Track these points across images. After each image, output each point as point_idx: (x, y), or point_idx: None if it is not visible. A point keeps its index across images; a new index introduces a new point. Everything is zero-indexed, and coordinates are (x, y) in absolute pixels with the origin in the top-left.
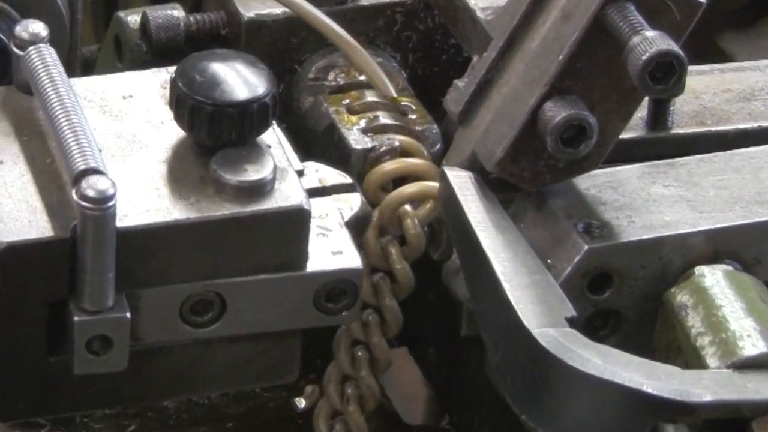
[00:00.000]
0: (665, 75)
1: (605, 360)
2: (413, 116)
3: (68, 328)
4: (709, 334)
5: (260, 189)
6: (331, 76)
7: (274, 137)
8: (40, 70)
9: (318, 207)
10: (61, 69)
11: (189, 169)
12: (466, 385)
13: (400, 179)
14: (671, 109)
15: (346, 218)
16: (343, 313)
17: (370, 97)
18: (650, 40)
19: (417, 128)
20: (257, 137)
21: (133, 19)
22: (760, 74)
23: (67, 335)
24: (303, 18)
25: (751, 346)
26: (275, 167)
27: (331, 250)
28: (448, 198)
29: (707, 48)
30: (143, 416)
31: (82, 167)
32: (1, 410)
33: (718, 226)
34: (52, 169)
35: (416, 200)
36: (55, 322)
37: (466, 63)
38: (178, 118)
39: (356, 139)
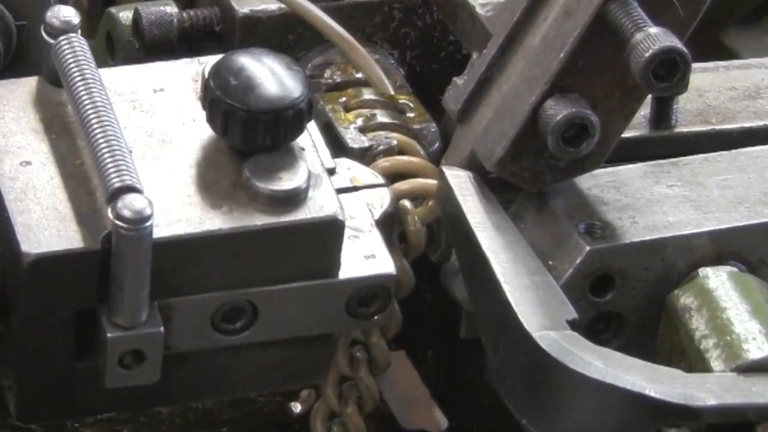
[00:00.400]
0: (669, 72)
1: (607, 363)
2: (411, 114)
3: (99, 340)
4: (714, 337)
5: (294, 198)
6: (327, 73)
7: (308, 139)
8: (71, 63)
9: (348, 205)
10: (92, 61)
11: (221, 174)
12: (465, 389)
13: (398, 178)
14: (675, 107)
15: (376, 216)
16: (376, 318)
17: (367, 95)
18: (653, 37)
19: (415, 127)
20: (291, 141)
21: (125, 15)
22: (765, 72)
23: (96, 343)
24: (299, 14)
25: (756, 349)
26: (309, 174)
27: (363, 253)
28: (446, 198)
29: (711, 45)
30: (135, 421)
31: (118, 185)
32: (27, 413)
33: (723, 226)
34: (82, 171)
35: (412, 197)
36: (82, 329)
37: (465, 60)
38: (211, 120)
39: (353, 137)
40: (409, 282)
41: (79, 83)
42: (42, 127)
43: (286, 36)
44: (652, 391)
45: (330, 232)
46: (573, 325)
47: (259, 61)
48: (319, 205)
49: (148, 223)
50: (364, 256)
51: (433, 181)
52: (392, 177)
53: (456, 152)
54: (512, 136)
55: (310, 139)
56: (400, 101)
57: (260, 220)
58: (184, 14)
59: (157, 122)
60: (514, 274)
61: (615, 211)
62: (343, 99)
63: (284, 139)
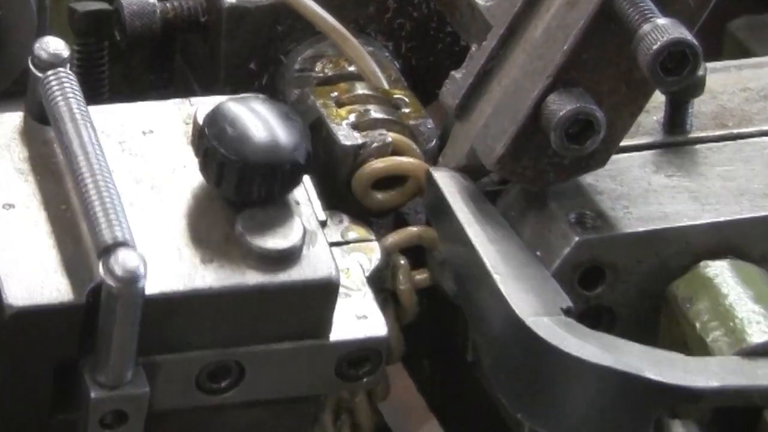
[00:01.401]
0: (678, 66)
1: (603, 346)
2: (407, 110)
3: (80, 397)
4: (716, 324)
5: (288, 257)
6: (318, 66)
7: (303, 193)
8: (59, 101)
9: (339, 260)
10: (81, 99)
11: (212, 226)
12: (462, 399)
13: (392, 179)
14: (690, 111)
15: (368, 272)
16: (365, 380)
17: (361, 89)
18: (662, 28)
19: (411, 123)
20: (287, 195)
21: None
22: None
23: (76, 398)
24: (289, 4)
25: (760, 333)
26: (304, 232)
27: (355, 313)
28: (434, 196)
29: (719, 37)
30: None
31: (110, 240)
32: None
33: (723, 219)
34: (68, 217)
35: (406, 248)
36: (62, 381)
37: (463, 53)
38: (205, 170)
39: (345, 134)
40: (399, 349)
41: (68, 123)
42: (27, 167)
43: (275, 27)
44: (651, 373)
45: (324, 293)
46: (567, 313)
47: (256, 109)
48: (313, 265)
49: (140, 283)
50: (356, 317)
51: (431, 233)
52: (386, 179)
53: (454, 150)
54: (513, 133)
55: (306, 192)
56: (395, 96)
57: (252, 278)
58: (168, 4)
59: (146, 167)
60: (505, 265)
61: (609, 201)
62: (335, 94)
63: (280, 192)
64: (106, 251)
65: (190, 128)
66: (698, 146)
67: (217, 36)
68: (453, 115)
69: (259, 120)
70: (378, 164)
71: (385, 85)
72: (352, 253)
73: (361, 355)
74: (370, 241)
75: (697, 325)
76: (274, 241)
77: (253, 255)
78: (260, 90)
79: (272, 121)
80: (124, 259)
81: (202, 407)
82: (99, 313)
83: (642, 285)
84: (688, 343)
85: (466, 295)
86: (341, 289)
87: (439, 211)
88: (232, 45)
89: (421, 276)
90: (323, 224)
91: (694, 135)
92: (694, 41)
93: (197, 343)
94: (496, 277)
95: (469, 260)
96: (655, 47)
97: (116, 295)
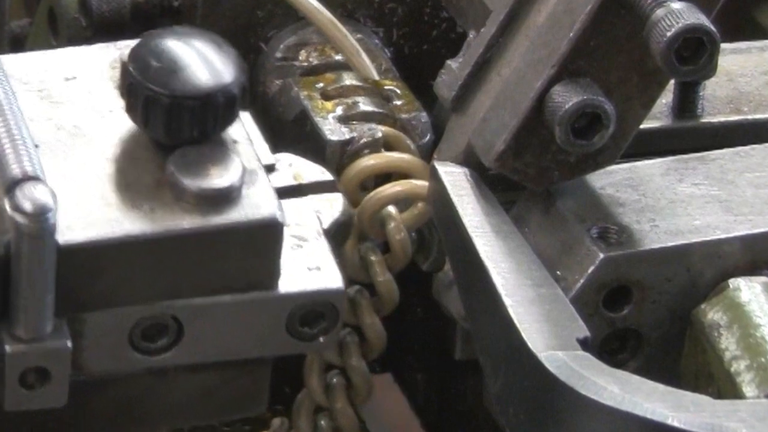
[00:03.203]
0: (694, 54)
1: (624, 388)
2: (398, 102)
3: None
4: (746, 358)
5: (226, 197)
6: (302, 55)
7: (241, 130)
8: None
9: (292, 210)
10: None
11: (142, 170)
12: (460, 417)
13: (383, 177)
14: (701, 94)
15: (326, 225)
16: (320, 339)
17: (349, 80)
18: (677, 14)
19: (403, 116)
20: (222, 132)
21: None
22: None
23: None
24: None
25: None
26: (243, 169)
27: (307, 265)
28: (439, 198)
29: (743, 22)
30: None
31: (17, 173)
32: None
33: (757, 231)
34: None
35: (401, 201)
36: None
37: (460, 40)
38: (131, 110)
39: (332, 129)
40: (392, 298)
41: None
42: None
43: (255, 12)
44: (676, 420)
45: (267, 235)
46: (584, 344)
47: (185, 41)
48: (254, 204)
49: (50, 216)
50: (308, 268)
51: (422, 183)
52: (378, 177)
53: (450, 145)
54: (514, 128)
55: (244, 130)
56: (386, 87)
57: (187, 221)
58: None
59: (68, 113)
60: (517, 286)
61: (633, 213)
62: (321, 85)
63: (214, 129)
64: (12, 186)
65: (116, 73)
66: (724, 151)
67: (191, 22)
68: (449, 108)
69: (188, 51)
70: (369, 161)
71: (375, 76)
72: (309, 203)
73: (315, 310)
74: (327, 183)
75: (725, 357)
76: (210, 181)
77: (187, 196)
78: None
79: (204, 52)
80: (31, 192)
81: (143, 373)
82: (11, 257)
83: (672, 305)
84: (714, 375)
85: (473, 312)
86: (293, 240)
87: (444, 215)
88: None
89: (410, 216)
90: (270, 168)
91: (704, 120)
92: (712, 27)
93: (128, 297)
94: (507, 301)
95: (478, 276)
96: (669, 34)
97: (25, 230)
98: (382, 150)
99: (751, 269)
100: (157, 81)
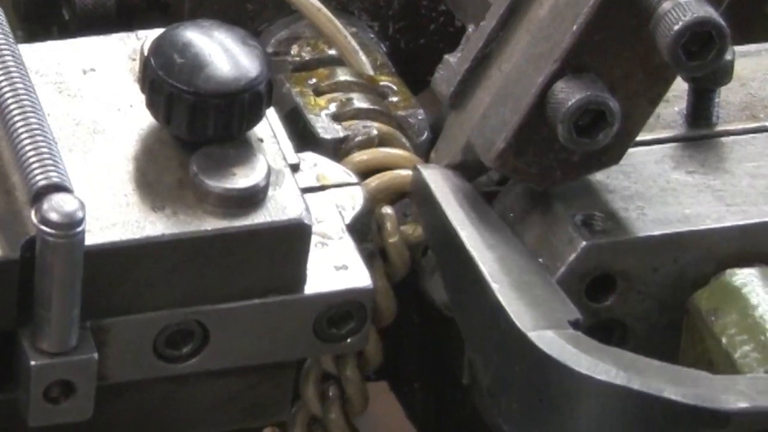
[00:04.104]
0: (702, 48)
1: (618, 364)
2: (394, 99)
3: (20, 369)
4: (745, 338)
5: (251, 198)
6: (294, 49)
7: (267, 128)
8: None
9: (315, 207)
10: (9, 35)
11: (164, 169)
12: (457, 426)
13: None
14: (716, 101)
15: (348, 220)
16: (349, 340)
17: (342, 75)
18: (684, 6)
19: (399, 114)
20: (247, 131)
21: None
22: None
23: (16, 373)
24: None
25: None
26: (269, 170)
27: (333, 264)
28: (423, 196)
29: (755, 18)
30: None
31: (43, 183)
32: None
33: (750, 221)
34: None
35: (390, 194)
36: None
37: (458, 34)
38: (152, 106)
39: (325, 126)
40: (390, 308)
41: None
42: None
43: (245, 5)
44: (672, 393)
45: (294, 238)
46: (576, 326)
47: (209, 35)
48: (281, 207)
49: (79, 228)
50: (335, 267)
51: (408, 173)
52: (371, 173)
53: (448, 144)
54: (515, 125)
55: (270, 128)
56: (382, 83)
57: (210, 224)
58: None
59: (87, 108)
60: (504, 273)
61: (621, 201)
62: (314, 80)
63: (239, 128)
64: (39, 196)
65: (136, 64)
66: (723, 139)
67: (179, 15)
68: (447, 105)
69: (212, 46)
70: (361, 156)
71: (370, 71)
72: (331, 199)
73: (343, 310)
74: (351, 185)
75: (724, 340)
76: (234, 181)
77: (211, 198)
78: None
79: (228, 47)
80: (59, 203)
81: (165, 380)
82: (35, 268)
83: (658, 296)
84: (714, 360)
85: (461, 306)
86: (317, 238)
87: (428, 212)
88: None
89: (410, 230)
90: (295, 168)
91: (720, 128)
92: (721, 21)
93: (152, 303)
94: (494, 286)
95: (464, 268)
96: (676, 27)
97: (52, 244)
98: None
99: (742, 261)
100: (180, 78)
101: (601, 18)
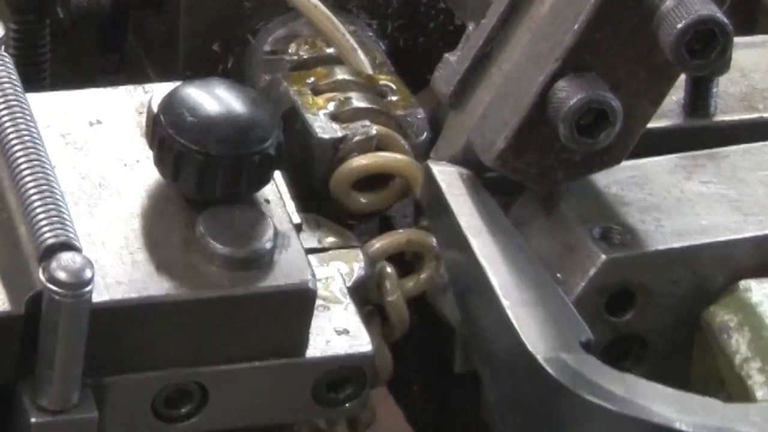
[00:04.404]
0: (705, 47)
1: (630, 392)
2: (394, 98)
3: (18, 424)
4: (758, 361)
5: (257, 261)
6: (292, 48)
7: (274, 190)
8: None
9: (316, 269)
10: (18, 86)
11: (170, 228)
12: (459, 430)
13: (377, 177)
14: (714, 91)
15: (349, 283)
16: (347, 405)
17: (341, 74)
18: (687, 4)
19: (398, 113)
20: (255, 193)
21: None
22: None
23: (13, 426)
24: None
25: None
26: (275, 233)
27: (334, 327)
28: (433, 198)
29: (758, 14)
30: None
31: (52, 240)
32: None
33: None
34: (4, 218)
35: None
36: None
37: (458, 32)
38: (161, 164)
39: (323, 126)
40: (386, 369)
41: (3, 112)
42: None
43: (242, 2)
44: (684, 424)
45: (299, 303)
46: (587, 347)
47: (220, 94)
48: (287, 271)
49: (87, 288)
50: (336, 331)
51: (427, 240)
52: (370, 179)
53: (448, 144)
54: (516, 125)
55: (277, 189)
56: (381, 82)
57: (215, 287)
58: None
59: (93, 162)
60: (516, 287)
61: (637, 213)
62: (312, 79)
63: (247, 189)
64: (48, 254)
65: (143, 118)
66: (735, 147)
67: (175, 12)
68: (447, 104)
69: (223, 106)
70: (361, 161)
71: (369, 70)
72: (332, 262)
73: (343, 375)
74: (352, 248)
75: (736, 360)
76: (241, 244)
77: (217, 260)
78: (225, 75)
79: (238, 108)
80: (68, 262)
81: None
82: (40, 325)
83: (678, 309)
84: (726, 380)
85: (469, 318)
86: (319, 302)
87: (438, 215)
88: (193, 23)
89: (411, 283)
90: (298, 228)
91: (718, 118)
92: (725, 19)
93: (153, 362)
94: (505, 302)
95: (474, 277)
96: (679, 26)
97: (59, 303)
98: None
99: (762, 272)
100: (191, 137)
101: (602, 16)
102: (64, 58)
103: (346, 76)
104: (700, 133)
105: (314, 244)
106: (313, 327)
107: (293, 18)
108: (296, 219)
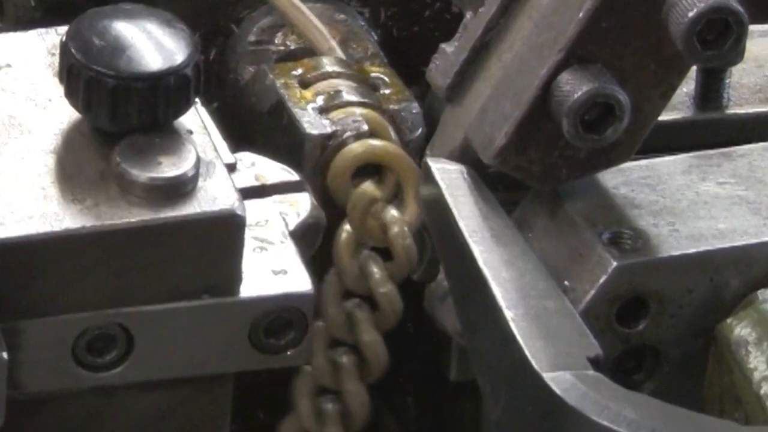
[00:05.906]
0: (718, 37)
1: (641, 413)
2: (386, 91)
3: None
4: None
5: (179, 188)
6: (278, 38)
7: (197, 120)
8: None
9: (255, 212)
10: None
11: (85, 161)
12: None
13: (373, 169)
14: (727, 82)
15: (292, 226)
16: (288, 352)
17: (330, 66)
18: None
19: (391, 107)
20: (175, 120)
21: None
22: None
23: None
24: None
25: None
26: (198, 159)
27: (272, 268)
28: (432, 199)
29: None
30: None
31: None
32: None
33: None
34: None
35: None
36: None
37: (455, 21)
38: (71, 94)
39: (311, 121)
40: (395, 310)
41: None
42: None
43: None
44: None
45: (226, 231)
46: (596, 363)
47: (131, 18)
48: (211, 197)
49: None
50: (273, 271)
51: (379, 143)
52: (364, 169)
53: (444, 140)
54: (517, 120)
55: (201, 120)
56: (373, 74)
57: (135, 216)
58: None
59: (3, 103)
60: (520, 298)
61: (649, 216)
62: (299, 71)
63: (165, 115)
64: None
65: (56, 59)
66: (752, 146)
67: (153, 1)
68: (443, 98)
69: (135, 29)
70: (357, 149)
71: (341, 55)
72: (273, 205)
73: (282, 318)
74: (294, 183)
75: (754, 378)
76: (161, 170)
77: (136, 188)
78: (207, 67)
79: (152, 30)
80: None
81: (88, 392)
82: None
83: (693, 319)
84: (742, 398)
85: (469, 330)
86: (256, 243)
87: (437, 218)
88: (173, 11)
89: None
90: (231, 168)
91: (731, 111)
92: (739, 7)
93: (71, 304)
94: (508, 314)
95: (475, 286)
96: (690, 14)
97: None
98: None
99: None
100: (100, 61)
101: (608, 4)
102: None
103: (336, 68)
104: (712, 127)
105: (251, 182)
106: (249, 268)
107: None
108: (228, 157)
